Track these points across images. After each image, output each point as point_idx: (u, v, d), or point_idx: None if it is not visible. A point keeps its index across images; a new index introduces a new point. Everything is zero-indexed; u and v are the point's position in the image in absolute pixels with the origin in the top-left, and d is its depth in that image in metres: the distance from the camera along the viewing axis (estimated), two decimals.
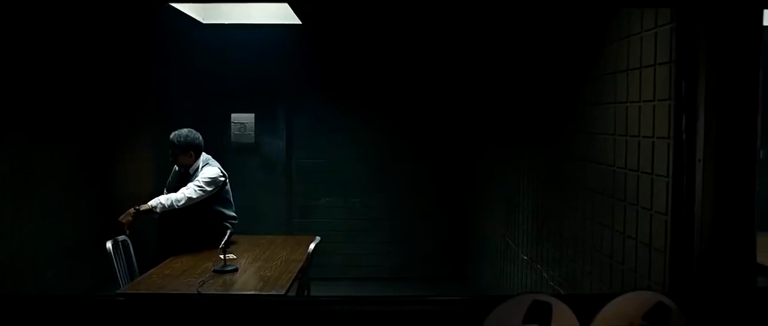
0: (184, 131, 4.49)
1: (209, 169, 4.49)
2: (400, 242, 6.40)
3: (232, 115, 6.33)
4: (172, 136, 4.47)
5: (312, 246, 4.17)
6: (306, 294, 4.19)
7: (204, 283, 3.63)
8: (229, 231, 4.13)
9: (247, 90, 6.27)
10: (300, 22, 4.91)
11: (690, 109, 2.00)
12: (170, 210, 4.29)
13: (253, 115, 6.31)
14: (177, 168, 4.64)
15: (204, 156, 4.59)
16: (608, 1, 2.56)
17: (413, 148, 6.30)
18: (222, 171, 4.57)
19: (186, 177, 4.54)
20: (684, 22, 2.04)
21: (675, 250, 2.10)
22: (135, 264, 4.30)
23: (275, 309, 2.18)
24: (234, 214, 4.70)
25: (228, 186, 4.68)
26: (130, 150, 5.91)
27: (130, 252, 4.27)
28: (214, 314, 2.09)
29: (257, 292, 3.54)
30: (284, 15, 4.81)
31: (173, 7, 4.44)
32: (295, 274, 3.90)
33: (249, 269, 4.02)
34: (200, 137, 4.53)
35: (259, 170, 6.39)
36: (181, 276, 3.84)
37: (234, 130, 6.32)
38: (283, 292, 3.54)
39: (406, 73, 6.14)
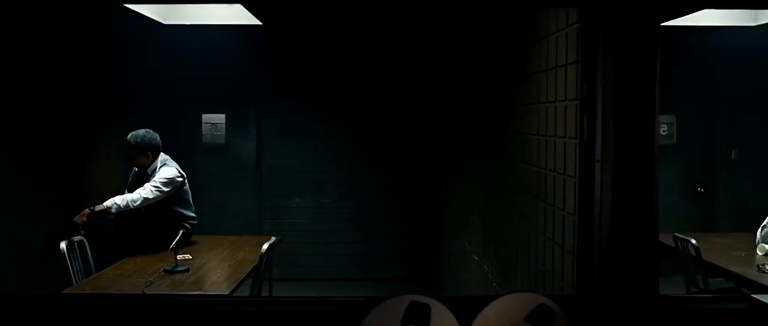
0: (142, 131, 4.49)
1: (166, 170, 4.49)
2: (371, 243, 6.40)
3: (203, 116, 6.33)
4: (129, 136, 4.47)
5: (265, 246, 4.16)
6: (257, 293, 4.17)
7: (151, 284, 3.63)
8: (181, 232, 4.13)
9: (218, 91, 6.27)
10: (260, 23, 4.91)
11: (590, 109, 1.99)
12: (126, 211, 4.30)
13: (223, 115, 6.31)
14: (136, 168, 4.64)
15: (162, 156, 4.59)
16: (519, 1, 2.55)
17: (384, 149, 6.30)
18: (180, 172, 4.57)
19: (144, 177, 4.55)
20: (586, 22, 2.04)
21: (580, 253, 2.08)
22: (92, 264, 4.29)
23: (208, 309, 2.16)
24: (193, 215, 4.70)
25: (186, 187, 4.68)
26: (98, 150, 5.90)
27: (86, 252, 4.27)
28: (150, 314, 2.08)
29: (200, 292, 3.53)
30: (246, 15, 4.80)
31: (132, 9, 4.44)
32: (245, 275, 3.90)
33: (201, 269, 4.02)
34: (158, 137, 4.53)
35: (230, 171, 6.39)
36: (131, 276, 3.84)
37: (205, 130, 6.32)
38: (227, 292, 3.53)
39: (377, 75, 6.14)
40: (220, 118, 6.32)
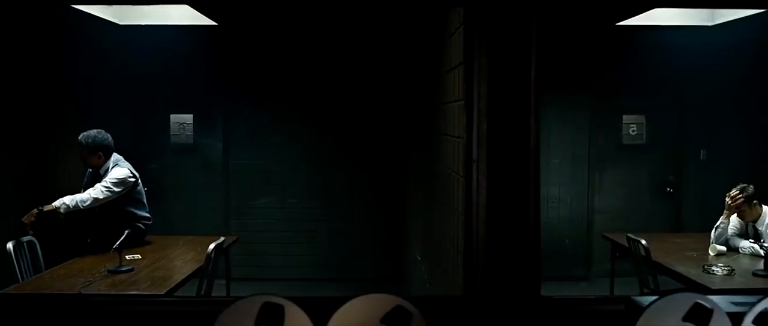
0: (93, 132, 4.51)
1: (118, 170, 4.51)
2: (338, 243, 6.40)
3: (172, 116, 6.35)
4: (80, 137, 4.49)
5: (211, 246, 4.17)
6: (205, 294, 4.19)
7: (90, 283, 3.65)
8: (126, 232, 4.14)
9: (185, 91, 6.29)
10: (215, 24, 4.93)
11: (468, 109, 1.99)
12: (78, 211, 4.32)
13: (191, 115, 6.34)
14: (90, 169, 4.66)
15: (115, 156, 4.60)
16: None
17: (350, 149, 6.31)
18: (132, 172, 4.58)
19: (98, 177, 4.56)
20: (467, 22, 2.04)
21: (466, 253, 2.08)
22: (42, 264, 4.32)
23: (132, 309, 2.16)
24: (147, 215, 4.71)
25: (140, 187, 4.69)
26: (60, 152, 5.92)
27: (36, 252, 4.30)
28: (83, 314, 2.08)
29: (136, 292, 3.55)
30: (200, 15, 4.81)
31: (84, 10, 4.46)
32: (188, 274, 3.92)
33: (145, 269, 4.03)
34: (109, 138, 4.55)
35: (198, 171, 6.42)
36: (75, 276, 3.86)
37: (174, 130, 6.35)
38: (162, 292, 3.55)
39: (343, 76, 6.15)
40: (188, 118, 6.34)
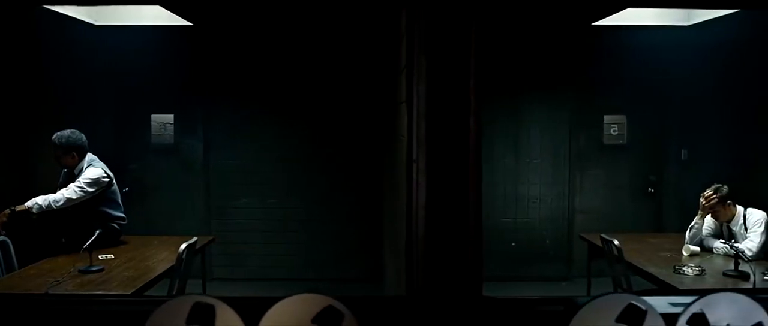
0: (67, 132, 4.51)
1: (92, 170, 4.51)
2: (318, 243, 6.40)
3: (152, 116, 6.34)
4: (54, 137, 4.49)
5: (183, 246, 4.17)
6: (177, 293, 4.18)
7: (58, 283, 3.64)
8: (97, 231, 4.13)
9: (165, 92, 6.29)
10: (190, 24, 4.93)
11: (409, 109, 1.99)
12: (51, 211, 4.32)
13: (172, 116, 6.33)
14: (65, 169, 4.66)
15: (89, 156, 4.60)
16: None
17: (331, 150, 6.30)
18: (106, 172, 4.58)
19: (72, 177, 4.56)
20: (409, 23, 2.03)
21: (407, 253, 2.08)
22: (15, 264, 4.31)
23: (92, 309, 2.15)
24: (121, 215, 4.71)
25: (114, 187, 4.69)
26: (39, 152, 5.91)
27: (9, 252, 4.29)
28: (49, 314, 2.08)
29: (102, 292, 3.54)
30: (176, 16, 4.81)
31: (59, 11, 4.45)
32: (157, 274, 3.91)
33: (116, 269, 4.03)
34: (83, 138, 4.54)
35: (179, 171, 6.41)
36: (44, 275, 3.85)
37: (154, 130, 6.34)
38: (129, 292, 3.54)
39: (323, 76, 6.15)
40: (169, 118, 6.33)
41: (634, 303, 1.73)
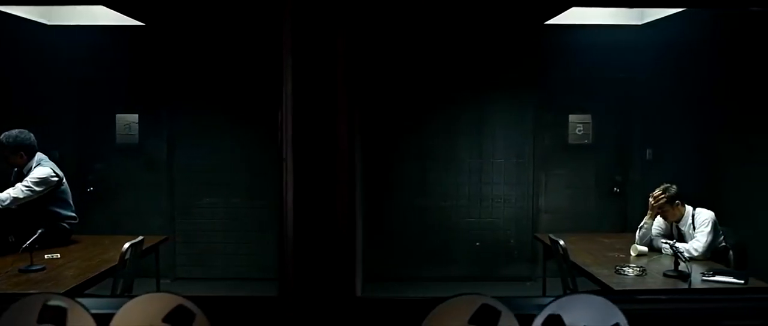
0: (15, 132, 4.52)
1: (40, 169, 4.52)
2: None
3: (117, 116, 6.36)
4: (1, 136, 4.50)
5: (126, 245, 4.18)
6: (120, 293, 4.19)
7: None
8: (38, 231, 4.14)
9: (130, 91, 6.30)
10: (142, 24, 4.94)
11: (281, 107, 1.99)
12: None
13: (136, 115, 6.35)
14: (15, 168, 4.67)
15: (38, 156, 4.61)
16: None
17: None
18: (55, 172, 4.59)
19: (21, 177, 4.57)
20: (280, 19, 2.03)
21: (279, 253, 2.08)
22: None
23: None
24: (72, 214, 4.72)
25: (64, 187, 4.70)
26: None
27: None
28: None
29: (37, 292, 3.54)
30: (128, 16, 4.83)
31: (11, 13, 4.47)
32: (96, 274, 3.93)
33: (58, 269, 4.04)
34: (32, 137, 4.56)
35: (143, 170, 6.42)
36: None
37: (119, 130, 6.36)
38: (61, 291, 3.55)
39: (282, 77, 6.14)
40: (133, 118, 6.35)
41: (488, 303, 1.73)
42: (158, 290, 5.22)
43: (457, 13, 5.00)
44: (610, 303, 1.74)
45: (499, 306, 1.72)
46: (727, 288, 3.73)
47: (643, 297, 3.13)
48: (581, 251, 4.65)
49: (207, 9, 5.27)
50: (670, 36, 5.51)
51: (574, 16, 4.85)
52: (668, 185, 4.58)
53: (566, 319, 1.73)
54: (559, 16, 4.84)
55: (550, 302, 1.73)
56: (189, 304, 1.71)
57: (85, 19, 5.01)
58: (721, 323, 2.07)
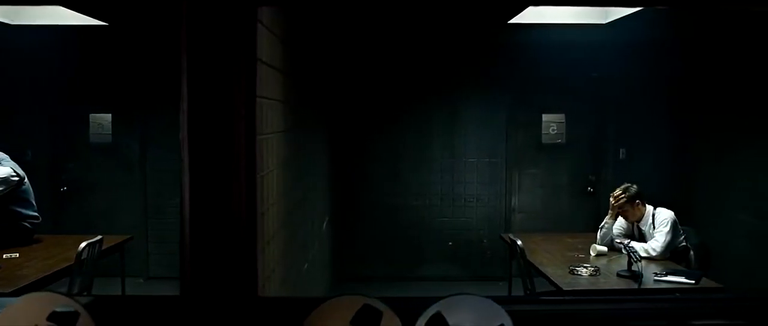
0: None
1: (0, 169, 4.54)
2: None
3: (90, 115, 6.38)
4: None
5: (82, 245, 4.19)
6: (77, 292, 4.20)
7: None
8: None
9: (103, 90, 6.31)
10: (105, 24, 4.94)
11: (179, 109, 1.99)
12: None
13: (110, 115, 6.36)
14: None
15: None
16: None
17: None
18: (15, 172, 4.60)
19: None
20: (174, 21, 2.03)
21: (180, 253, 2.08)
22: None
23: None
24: (34, 214, 4.73)
25: (26, 186, 4.70)
26: None
27: None
28: None
29: None
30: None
31: None
32: (49, 273, 3.94)
33: (14, 269, 4.06)
34: None
35: (116, 170, 6.44)
36: None
37: (93, 129, 6.38)
38: (9, 290, 3.57)
39: None
40: (106, 117, 6.37)
41: (369, 303, 1.72)
42: (123, 291, 5.24)
43: (428, 13, 4.99)
44: (495, 305, 1.73)
45: (381, 306, 1.72)
46: (674, 288, 3.72)
47: (569, 297, 3.13)
48: (542, 251, 4.64)
49: (173, 9, 5.27)
50: (634, 35, 5.49)
51: (539, 15, 4.84)
52: (628, 185, 4.56)
53: (450, 320, 1.72)
54: (522, 15, 4.82)
55: (434, 302, 1.72)
56: (72, 303, 1.71)
57: (51, 19, 5.02)
58: (629, 323, 2.06)
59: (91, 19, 4.87)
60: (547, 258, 4.40)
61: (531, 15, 4.86)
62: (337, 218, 6.19)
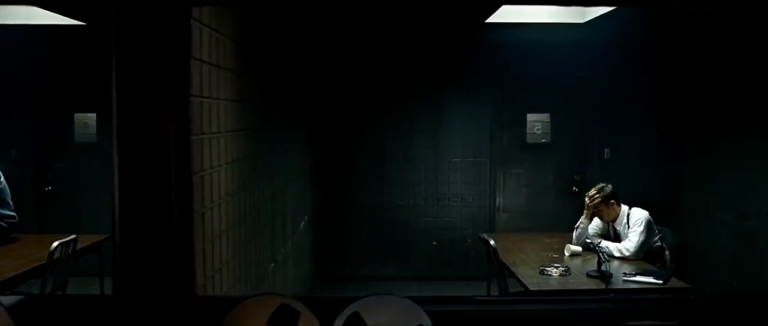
0: None
1: None
2: None
3: (75, 115, 6.40)
4: None
5: (55, 244, 4.21)
6: (47, 291, 4.22)
7: None
8: None
9: (88, 90, 6.33)
10: (83, 23, 4.95)
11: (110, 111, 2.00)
12: None
13: (94, 115, 6.38)
14: None
15: None
16: None
17: None
18: None
19: None
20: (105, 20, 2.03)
21: (112, 253, 2.08)
22: None
23: None
24: (11, 213, 4.75)
25: (2, 186, 4.73)
26: None
27: None
28: None
29: None
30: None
31: None
32: (19, 273, 3.96)
33: None
34: None
35: (102, 169, 6.45)
36: None
37: (78, 129, 6.40)
38: None
39: None
40: (91, 117, 6.39)
41: (287, 303, 1.72)
42: (102, 290, 5.25)
43: (408, 12, 4.98)
44: (414, 305, 1.73)
45: (299, 306, 1.72)
46: (642, 289, 3.70)
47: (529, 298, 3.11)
48: (517, 251, 4.63)
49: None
50: (614, 35, 5.46)
51: (518, 15, 4.84)
52: (603, 185, 4.54)
53: (368, 320, 1.71)
54: (501, 15, 4.81)
55: (352, 302, 1.72)
56: None
57: (30, 19, 5.04)
58: (576, 323, 2.06)
59: (69, 19, 4.89)
60: (521, 258, 4.38)
61: (510, 15, 4.85)
62: (319, 218, 6.19)
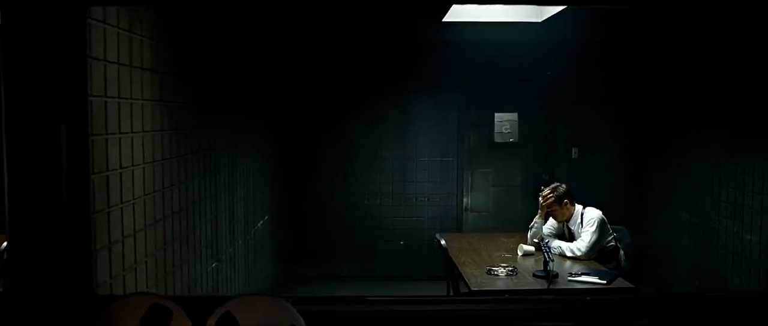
0: None
1: None
2: None
3: None
4: None
5: (4, 244, 4.21)
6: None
7: None
8: None
9: None
10: None
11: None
12: None
13: None
14: None
15: None
16: None
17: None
18: None
19: None
20: None
21: (8, 252, 2.08)
22: None
23: None
24: None
25: None
26: None
27: None
28: None
29: None
30: None
31: None
32: None
33: None
34: None
35: None
36: None
37: None
38: None
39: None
40: None
41: (158, 302, 1.71)
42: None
43: (373, 12, 4.97)
44: (286, 305, 1.72)
45: (172, 305, 1.71)
46: (585, 289, 3.69)
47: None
48: (470, 250, 4.62)
49: None
50: (574, 35, 5.47)
51: (475, 14, 4.84)
52: (557, 184, 4.53)
53: (240, 320, 1.71)
54: (458, 14, 4.81)
55: (225, 302, 1.72)
56: None
57: None
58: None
59: None
60: (472, 258, 4.37)
61: (466, 14, 4.85)
62: (284, 217, 6.19)
